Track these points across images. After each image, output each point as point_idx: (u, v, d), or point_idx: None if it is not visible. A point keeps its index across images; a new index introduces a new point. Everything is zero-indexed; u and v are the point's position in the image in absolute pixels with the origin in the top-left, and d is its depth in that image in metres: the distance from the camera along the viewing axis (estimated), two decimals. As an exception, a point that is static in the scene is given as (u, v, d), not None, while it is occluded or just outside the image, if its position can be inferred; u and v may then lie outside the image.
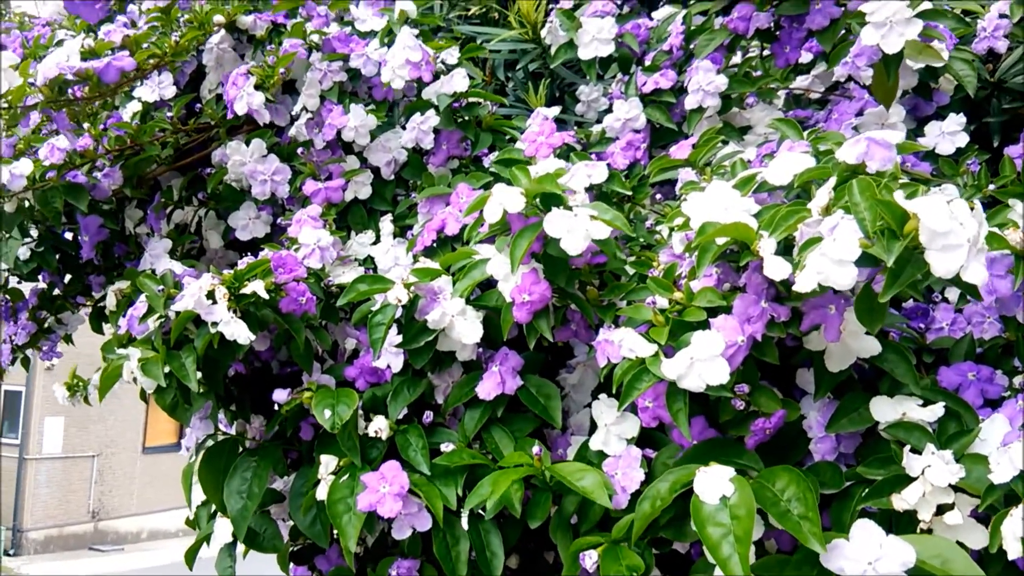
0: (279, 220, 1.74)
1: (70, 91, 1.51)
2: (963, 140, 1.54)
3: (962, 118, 1.55)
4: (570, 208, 1.16)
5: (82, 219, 1.70)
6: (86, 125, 1.61)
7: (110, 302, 1.62)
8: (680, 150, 1.37)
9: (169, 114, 1.74)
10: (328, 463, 1.36)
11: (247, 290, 1.26)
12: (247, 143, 1.69)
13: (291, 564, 1.76)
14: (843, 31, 1.54)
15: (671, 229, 1.17)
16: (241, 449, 1.57)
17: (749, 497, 0.99)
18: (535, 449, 1.23)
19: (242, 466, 1.48)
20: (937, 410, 1.10)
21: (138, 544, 15.14)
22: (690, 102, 1.57)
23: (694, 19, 1.78)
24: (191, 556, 1.61)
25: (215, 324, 1.26)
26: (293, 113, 1.77)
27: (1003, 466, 0.97)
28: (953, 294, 1.39)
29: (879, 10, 1.31)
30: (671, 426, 1.20)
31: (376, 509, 1.27)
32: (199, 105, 1.83)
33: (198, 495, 1.68)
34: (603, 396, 1.27)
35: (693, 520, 1.01)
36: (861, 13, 1.51)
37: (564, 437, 1.43)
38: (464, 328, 1.33)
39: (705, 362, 1.05)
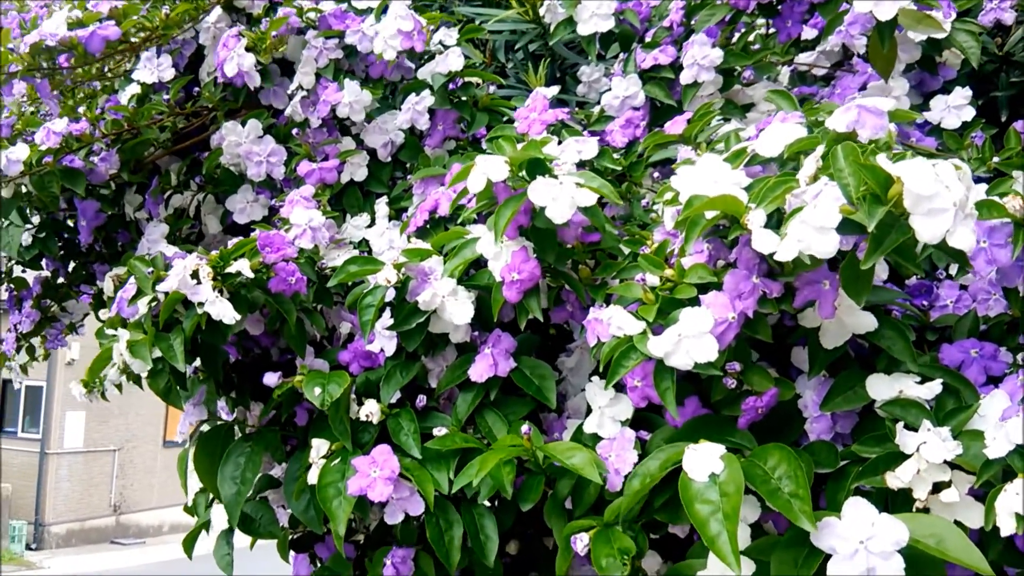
0: (275, 202, 1.72)
1: (58, 60, 1.50)
2: (969, 114, 1.50)
3: (968, 91, 1.51)
4: (556, 176, 1.13)
5: (79, 204, 1.69)
6: (82, 109, 1.60)
7: (107, 288, 1.61)
8: (675, 125, 1.35)
9: (166, 97, 1.73)
10: (320, 447, 1.34)
11: (232, 269, 1.25)
12: (243, 123, 1.68)
13: (291, 552, 1.76)
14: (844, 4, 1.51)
15: (663, 204, 1.14)
16: (238, 435, 1.56)
17: (738, 474, 0.97)
18: (524, 428, 1.21)
19: (236, 452, 1.47)
20: (935, 387, 1.07)
21: (159, 537, 15.26)
22: (685, 76, 1.54)
23: (695, -4, 1.75)
24: (189, 544, 1.60)
25: (201, 304, 1.24)
26: (289, 92, 1.75)
27: (999, 441, 0.93)
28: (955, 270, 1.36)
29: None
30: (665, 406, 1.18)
31: (366, 493, 1.26)
32: (197, 88, 1.82)
33: (197, 483, 1.67)
34: (596, 378, 1.25)
35: (681, 497, 0.98)
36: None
37: (560, 421, 1.41)
38: (455, 309, 1.31)
39: (693, 339, 1.02)
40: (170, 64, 1.76)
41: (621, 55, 1.88)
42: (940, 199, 0.83)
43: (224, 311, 1.23)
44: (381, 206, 1.61)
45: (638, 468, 1.08)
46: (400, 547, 1.41)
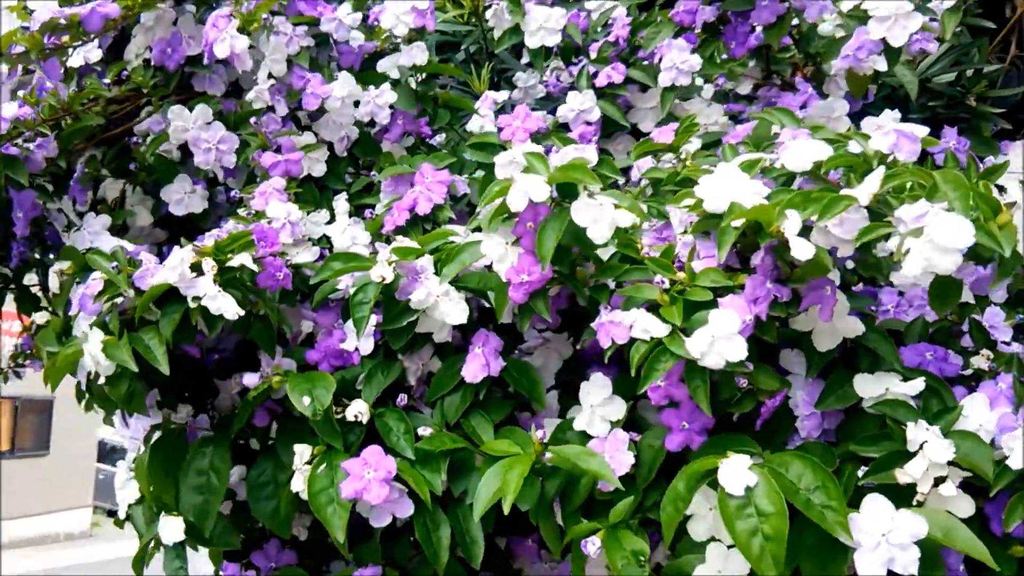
0: (233, 193, 1.64)
1: (52, 39, 1.37)
2: (896, 136, 1.63)
3: (897, 114, 1.63)
4: (592, 196, 1.15)
5: (16, 194, 1.54)
6: (21, 93, 1.47)
7: (54, 284, 1.47)
8: (662, 135, 1.39)
9: (106, 80, 1.61)
10: (302, 453, 1.29)
11: (234, 262, 1.19)
12: (190, 109, 1.58)
13: (224, 560, 1.68)
14: (791, 25, 1.62)
15: (687, 210, 1.18)
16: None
17: (777, 493, 0.99)
18: (539, 434, 1.21)
19: (196, 459, 1.39)
20: (918, 384, 1.15)
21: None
22: (663, 79, 1.58)
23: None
24: (139, 564, 1.49)
25: (197, 299, 1.17)
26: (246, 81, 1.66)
27: (1017, 452, 1.03)
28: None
29: (881, 6, 1.40)
30: (655, 407, 1.21)
31: (363, 496, 1.22)
32: (125, 72, 1.70)
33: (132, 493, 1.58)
34: (594, 376, 1.26)
35: (720, 514, 1.01)
36: (801, 10, 1.59)
37: (536, 420, 1.42)
38: (448, 308, 1.30)
39: (724, 340, 1.07)
40: (96, 45, 1.64)
41: (556, 63, 1.91)
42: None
43: (226, 306, 1.17)
44: (341, 202, 1.56)
45: (668, 494, 1.08)
46: (364, 566, 1.39)
